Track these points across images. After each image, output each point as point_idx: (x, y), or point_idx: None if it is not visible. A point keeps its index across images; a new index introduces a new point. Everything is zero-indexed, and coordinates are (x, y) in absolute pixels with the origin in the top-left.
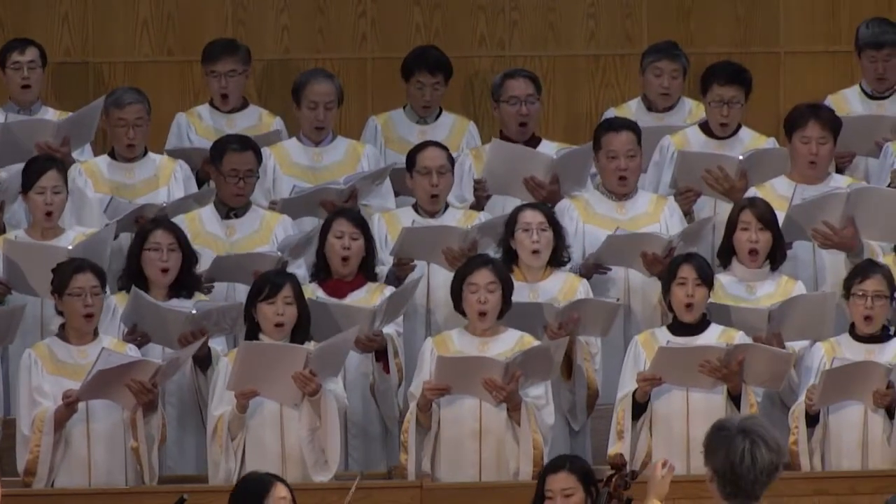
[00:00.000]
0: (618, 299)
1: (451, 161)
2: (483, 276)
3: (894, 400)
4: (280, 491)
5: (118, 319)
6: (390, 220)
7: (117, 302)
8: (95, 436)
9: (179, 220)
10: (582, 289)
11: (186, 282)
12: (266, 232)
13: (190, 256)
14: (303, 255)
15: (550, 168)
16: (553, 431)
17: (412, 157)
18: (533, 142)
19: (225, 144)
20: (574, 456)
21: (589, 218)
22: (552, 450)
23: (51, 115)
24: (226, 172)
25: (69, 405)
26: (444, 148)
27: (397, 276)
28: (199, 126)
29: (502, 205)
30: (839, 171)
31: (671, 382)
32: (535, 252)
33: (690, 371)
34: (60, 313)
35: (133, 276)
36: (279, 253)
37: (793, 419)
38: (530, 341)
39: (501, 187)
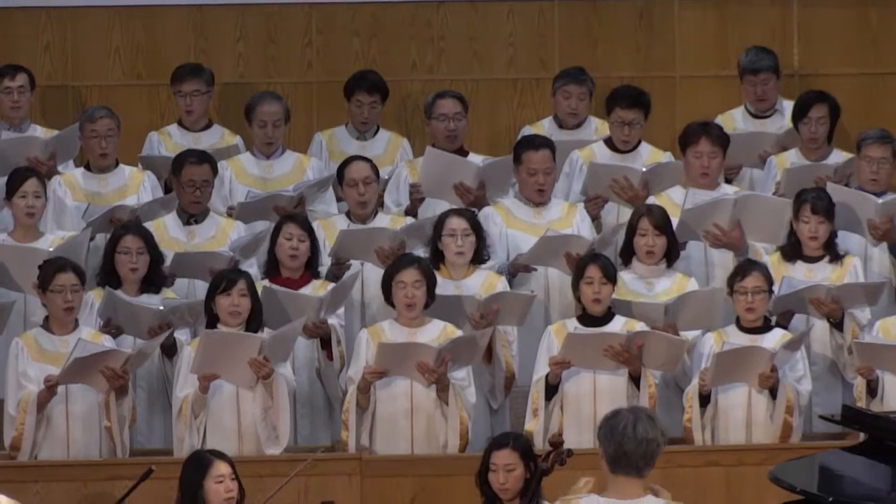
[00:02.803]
0: (531, 291)
1: (377, 172)
2: (410, 275)
3: (777, 382)
4: (219, 468)
5: (95, 313)
6: (327, 226)
7: (94, 297)
8: (73, 416)
9: (147, 226)
10: (500, 284)
11: (154, 279)
12: (222, 237)
13: (157, 257)
14: (252, 254)
15: (478, 175)
16: (475, 410)
17: (341, 170)
18: (461, 154)
19: (184, 158)
20: (517, 434)
21: (511, 223)
22: (475, 426)
23: (39, 132)
24: (184, 182)
25: (50, 388)
26: (369, 161)
27: (335, 275)
28: (168, 143)
29: (433, 208)
30: (728, 181)
31: (579, 365)
32: (459, 254)
33: (596, 355)
34: (45, 306)
35: (107, 274)
36: (231, 252)
37: (687, 399)
38: (453, 331)
39: (434, 191)
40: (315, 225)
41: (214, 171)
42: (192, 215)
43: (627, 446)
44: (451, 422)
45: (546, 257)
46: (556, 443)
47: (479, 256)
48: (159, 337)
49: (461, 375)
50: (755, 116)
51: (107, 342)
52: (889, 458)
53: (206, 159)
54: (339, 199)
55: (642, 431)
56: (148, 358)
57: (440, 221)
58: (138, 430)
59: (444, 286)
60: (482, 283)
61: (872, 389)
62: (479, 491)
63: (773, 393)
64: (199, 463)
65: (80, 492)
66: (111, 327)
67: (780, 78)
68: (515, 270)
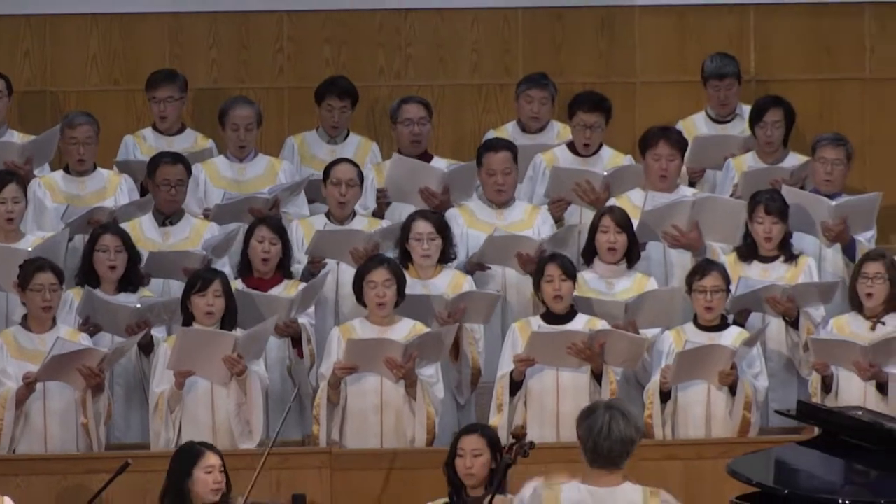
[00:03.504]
0: (497, 291)
1: (361, 177)
2: (380, 275)
3: (736, 379)
4: (209, 459)
5: (74, 311)
6: (306, 225)
7: (74, 296)
8: (51, 412)
9: (123, 226)
10: (467, 284)
11: (132, 278)
12: (196, 237)
13: (134, 256)
14: (225, 253)
15: (442, 180)
16: (442, 405)
17: (328, 170)
18: (425, 158)
19: (158, 159)
20: (486, 424)
21: (473, 224)
22: (442, 420)
23: (16, 137)
24: (159, 182)
25: (28, 385)
26: (357, 166)
27: (311, 273)
28: (143, 146)
29: (400, 211)
30: (692, 184)
31: (543, 363)
32: (425, 257)
33: (559, 353)
34: (24, 304)
35: (86, 273)
36: (204, 252)
37: (648, 395)
38: (422, 329)
39: (400, 195)
40: (294, 224)
41: (188, 171)
42: (168, 216)
43: (604, 445)
44: (419, 417)
45: (496, 257)
46: (519, 435)
47: (446, 256)
48: (135, 336)
49: (429, 372)
50: (716, 121)
51: (84, 340)
52: (842, 451)
53: (179, 160)
54: (310, 202)
55: (617, 432)
56: (125, 355)
57: (407, 224)
58: (115, 424)
59: (413, 285)
60: (449, 282)
61: (827, 385)
62: (446, 479)
63: (732, 389)
64: (190, 453)
65: (60, 484)
66: (90, 325)
67: (741, 83)
68: (472, 269)
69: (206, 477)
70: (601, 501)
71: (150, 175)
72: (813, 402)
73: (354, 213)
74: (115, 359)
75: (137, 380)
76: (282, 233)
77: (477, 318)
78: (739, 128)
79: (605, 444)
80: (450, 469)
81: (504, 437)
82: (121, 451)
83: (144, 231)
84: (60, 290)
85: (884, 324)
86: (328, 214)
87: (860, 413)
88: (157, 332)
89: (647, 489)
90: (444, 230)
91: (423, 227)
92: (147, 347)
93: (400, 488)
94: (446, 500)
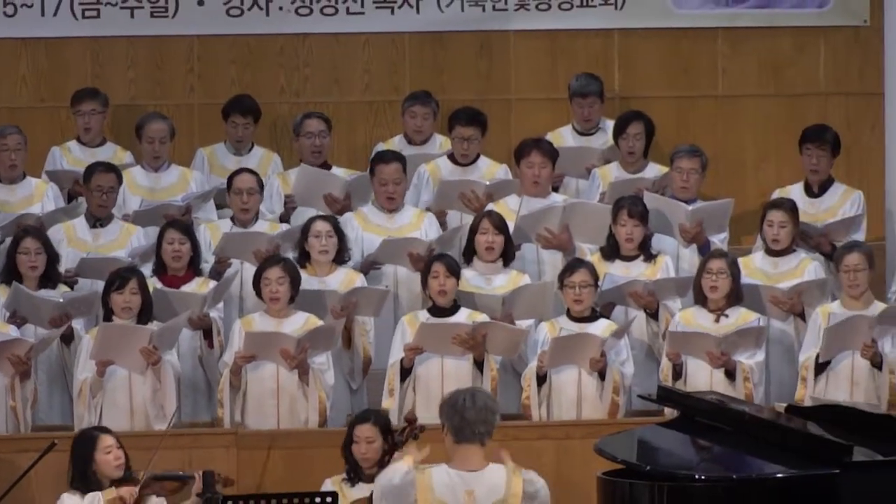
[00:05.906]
0: (386, 286)
1: (261, 184)
2: (274, 273)
3: (605, 366)
4: (106, 441)
5: (1, 306)
6: (213, 229)
7: (0, 292)
8: None
9: (57, 228)
10: (358, 281)
11: (52, 276)
12: (124, 238)
13: (53, 257)
14: (150, 260)
15: (344, 188)
16: (335, 390)
17: (230, 180)
18: (325, 167)
19: (94, 167)
20: (378, 411)
21: (367, 227)
22: (335, 404)
23: None
24: (93, 188)
25: None
26: (255, 174)
27: (217, 272)
28: (69, 157)
29: (305, 215)
30: (554, 189)
31: (430, 351)
32: (322, 252)
33: (445, 342)
34: None
35: (10, 272)
36: (130, 259)
37: (525, 380)
38: (315, 321)
39: (306, 201)
40: (202, 228)
41: (119, 179)
42: (98, 219)
43: (468, 414)
44: (311, 401)
45: (390, 256)
46: (411, 420)
47: (341, 257)
48: (59, 328)
49: (321, 360)
50: (581, 134)
51: (13, 332)
52: (698, 432)
53: (112, 169)
54: (219, 208)
55: (480, 401)
56: (50, 345)
57: (307, 226)
58: (40, 407)
59: (310, 282)
60: (342, 279)
61: (677, 372)
62: (344, 459)
63: (602, 375)
64: (88, 439)
65: None
66: (17, 318)
67: (604, 101)
68: (366, 268)
69: (107, 457)
70: (468, 483)
71: (86, 181)
72: (671, 386)
73: (257, 217)
74: (41, 348)
75: (59, 367)
76: (190, 233)
77: (368, 312)
78: (602, 140)
79: (470, 413)
80: (347, 451)
81: (396, 419)
82: (47, 433)
83: (77, 232)
84: None
85: (727, 316)
86: (233, 219)
87: (713, 397)
88: (77, 325)
89: (509, 468)
90: (339, 231)
91: (321, 226)
92: (68, 338)
93: (298, 465)
94: (344, 475)
